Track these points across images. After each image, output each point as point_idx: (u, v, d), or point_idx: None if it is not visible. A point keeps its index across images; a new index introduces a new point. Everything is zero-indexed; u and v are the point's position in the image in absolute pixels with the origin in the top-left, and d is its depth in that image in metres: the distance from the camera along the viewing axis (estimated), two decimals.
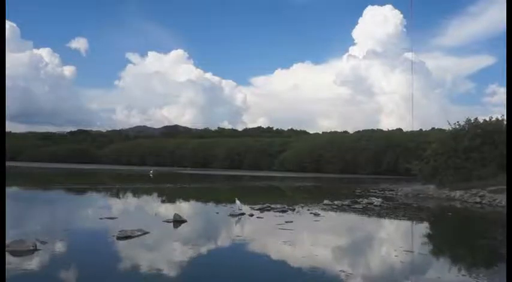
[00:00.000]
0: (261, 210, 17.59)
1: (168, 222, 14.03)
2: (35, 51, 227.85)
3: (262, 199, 21.76)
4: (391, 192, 29.94)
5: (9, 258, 8.78)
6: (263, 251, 10.58)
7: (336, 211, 18.33)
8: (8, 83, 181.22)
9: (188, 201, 23.60)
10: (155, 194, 26.67)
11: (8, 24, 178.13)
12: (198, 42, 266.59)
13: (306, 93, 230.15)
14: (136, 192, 27.43)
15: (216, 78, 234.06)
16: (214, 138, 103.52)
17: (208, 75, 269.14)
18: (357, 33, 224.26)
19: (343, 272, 8.29)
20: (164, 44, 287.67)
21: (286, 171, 72.96)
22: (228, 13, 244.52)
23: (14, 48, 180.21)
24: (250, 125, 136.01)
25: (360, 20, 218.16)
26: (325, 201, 20.70)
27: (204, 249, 10.48)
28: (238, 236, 12.45)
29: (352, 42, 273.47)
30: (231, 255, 10.08)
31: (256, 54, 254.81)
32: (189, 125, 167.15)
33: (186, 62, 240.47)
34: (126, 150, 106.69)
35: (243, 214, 16.17)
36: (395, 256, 9.74)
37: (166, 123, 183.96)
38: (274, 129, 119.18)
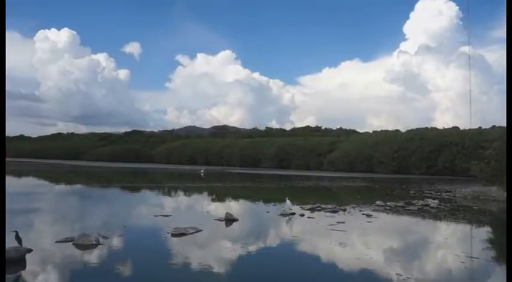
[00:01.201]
0: (312, 210, 17.45)
1: (219, 220, 14.31)
2: (93, 56, 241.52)
3: (312, 199, 21.55)
4: (448, 193, 28.51)
5: (75, 251, 9.40)
6: (314, 251, 10.50)
7: (389, 213, 17.76)
8: (72, 87, 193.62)
9: (238, 200, 23.91)
10: (206, 193, 27.27)
11: (68, 32, 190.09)
12: (245, 43, 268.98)
13: (355, 92, 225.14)
14: (188, 191, 28.21)
15: (264, 78, 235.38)
16: (262, 138, 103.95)
17: (256, 75, 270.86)
18: (408, 28, 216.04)
19: (400, 275, 8.03)
20: (212, 45, 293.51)
21: (335, 171, 71.73)
22: (275, 13, 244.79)
23: (75, 54, 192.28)
24: (298, 125, 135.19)
25: (412, 15, 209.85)
26: (378, 202, 20.13)
27: (255, 249, 10.59)
28: (289, 235, 12.43)
29: (403, 37, 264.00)
30: (282, 255, 10.08)
31: (303, 53, 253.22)
32: (237, 125, 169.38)
33: (234, 62, 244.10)
34: (177, 149, 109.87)
35: (293, 214, 16.13)
36: (461, 262, 9.27)
37: (215, 123, 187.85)
38: (323, 128, 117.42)
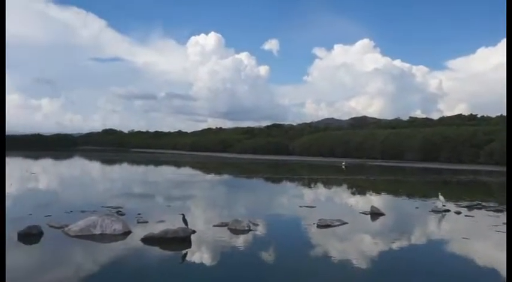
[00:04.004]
0: (469, 208, 15.59)
1: (365, 214, 13.87)
2: (236, 56, 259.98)
3: (468, 196, 19.30)
4: None
5: (229, 234, 10.21)
6: (472, 254, 9.33)
7: None
8: (219, 86, 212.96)
9: (383, 194, 22.83)
10: (349, 186, 26.76)
11: (215, 36, 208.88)
12: (384, 30, 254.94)
13: None
14: (330, 183, 28.12)
15: (406, 65, 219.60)
16: (405, 129, 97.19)
17: (397, 62, 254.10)
18: None
19: None
20: (350, 35, 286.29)
21: (494, 165, 62.83)
22: None
23: (221, 55, 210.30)
24: (448, 113, 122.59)
25: None
26: None
27: (406, 246, 9.92)
28: (443, 234, 11.34)
29: None
30: (436, 255, 9.22)
31: (451, 33, 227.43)
32: (377, 116, 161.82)
33: (373, 51, 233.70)
34: (316, 142, 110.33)
35: (447, 211, 14.67)
36: None
37: (354, 115, 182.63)
38: (479, 116, 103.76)
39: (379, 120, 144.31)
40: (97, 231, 9.50)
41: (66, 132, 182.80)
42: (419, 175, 38.15)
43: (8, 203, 14.63)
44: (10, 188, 18.95)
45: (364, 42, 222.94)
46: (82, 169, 40.66)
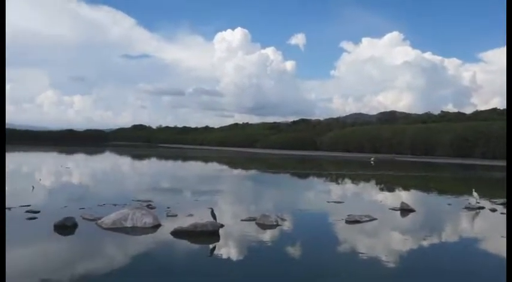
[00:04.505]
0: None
1: (394, 210, 13.61)
2: (262, 51, 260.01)
3: (503, 193, 18.56)
4: None
5: (257, 229, 10.23)
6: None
7: None
8: (245, 81, 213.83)
9: (413, 190, 22.34)
10: (377, 181, 26.32)
11: (241, 31, 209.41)
12: (414, 22, 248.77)
13: None
14: (358, 179, 27.73)
15: (437, 58, 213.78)
16: (436, 123, 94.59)
17: (428, 55, 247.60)
18: None
19: None
20: (378, 28, 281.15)
21: None
22: None
23: (247, 51, 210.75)
24: (482, 107, 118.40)
25: None
26: None
27: (436, 243, 9.65)
28: (479, 232, 10.99)
29: None
30: (468, 254, 8.93)
31: (485, 24, 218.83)
32: (406, 110, 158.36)
33: (402, 43, 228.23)
34: (343, 137, 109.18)
35: (481, 208, 14.19)
36: None
37: (383, 110, 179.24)
38: None
39: (409, 115, 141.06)
40: (128, 224, 9.73)
41: (97, 128, 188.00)
42: (451, 171, 37.08)
43: (45, 195, 15.21)
44: (45, 182, 19.67)
45: (393, 35, 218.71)
46: (113, 164, 41.75)
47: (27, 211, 11.06)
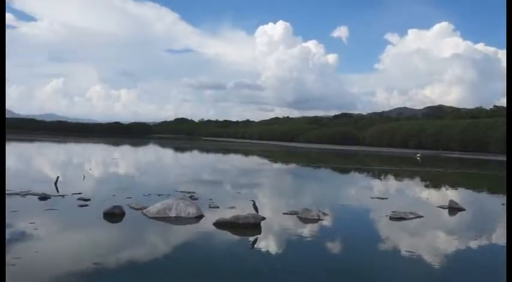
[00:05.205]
0: None
1: (442, 208, 13.07)
2: (304, 44, 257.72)
3: None
4: None
5: (299, 223, 10.17)
6: None
7: None
8: (286, 75, 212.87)
9: (462, 188, 21.37)
10: (424, 178, 25.38)
11: (283, 24, 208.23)
12: (465, 11, 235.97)
13: None
14: (403, 175, 26.88)
15: (490, 49, 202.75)
16: (489, 119, 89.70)
17: (480, 46, 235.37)
18: None
19: None
20: (425, 18, 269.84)
21: None
22: None
23: (289, 44, 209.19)
24: None
25: None
26: None
27: (487, 244, 9.15)
28: None
29: None
30: None
31: None
32: (455, 105, 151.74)
33: (451, 34, 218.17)
34: (387, 132, 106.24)
35: None
36: None
37: (429, 104, 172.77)
38: None
39: (458, 109, 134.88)
40: (172, 214, 9.99)
41: (141, 121, 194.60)
42: (505, 169, 35.03)
43: (94, 184, 15.94)
44: (94, 171, 20.61)
45: (442, 26, 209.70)
46: (157, 155, 43.05)
47: (79, 199, 11.62)
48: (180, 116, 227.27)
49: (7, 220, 8.77)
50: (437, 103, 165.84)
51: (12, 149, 42.21)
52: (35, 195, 11.79)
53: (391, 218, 11.03)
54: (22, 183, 13.92)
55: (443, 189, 20.23)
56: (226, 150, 56.08)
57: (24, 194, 11.86)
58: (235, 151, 55.39)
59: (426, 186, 21.61)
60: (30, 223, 8.57)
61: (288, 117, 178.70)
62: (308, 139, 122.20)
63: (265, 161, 40.10)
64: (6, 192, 11.97)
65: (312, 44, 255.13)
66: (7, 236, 7.69)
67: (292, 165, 34.41)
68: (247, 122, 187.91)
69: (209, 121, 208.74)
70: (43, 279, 5.74)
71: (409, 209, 11.96)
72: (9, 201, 10.77)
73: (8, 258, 6.40)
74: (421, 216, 11.34)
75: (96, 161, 29.71)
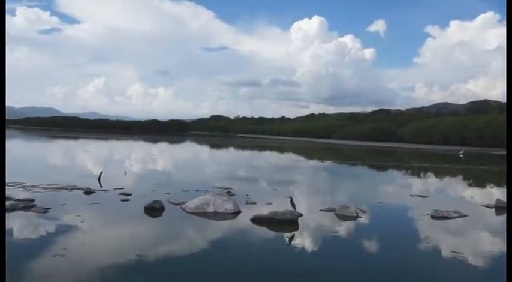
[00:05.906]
0: None
1: (488, 207, 12.52)
2: (339, 39, 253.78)
3: None
4: None
5: (336, 220, 10.05)
6: None
7: None
8: (322, 71, 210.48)
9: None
10: (467, 176, 24.38)
11: (318, 19, 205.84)
12: None
13: None
14: (445, 173, 25.93)
15: None
16: None
17: None
18: None
19: None
20: (468, 9, 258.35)
21: None
22: None
23: (324, 39, 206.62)
24: None
25: None
26: None
27: None
28: None
29: None
30: None
31: None
32: (502, 99, 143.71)
33: (497, 25, 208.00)
34: (427, 128, 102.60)
35: None
36: None
37: (473, 98, 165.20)
38: None
39: (505, 104, 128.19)
40: (210, 209, 10.15)
41: (178, 118, 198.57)
42: None
43: (135, 180, 16.45)
44: (135, 167, 21.26)
45: (487, 17, 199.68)
46: (194, 152, 43.83)
47: (121, 193, 12.04)
48: (215, 113, 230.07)
49: (56, 213, 9.27)
50: (481, 97, 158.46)
51: (59, 146, 44.32)
52: (80, 190, 12.33)
53: (433, 217, 10.68)
54: (68, 178, 14.61)
55: (488, 187, 19.36)
56: (261, 147, 56.23)
57: (70, 189, 12.42)
58: (271, 148, 55.42)
59: (470, 184, 20.75)
60: (77, 216, 8.98)
61: (323, 113, 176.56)
62: (344, 136, 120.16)
63: (301, 158, 39.87)
64: (55, 186, 12.63)
65: (348, 39, 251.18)
66: (56, 228, 8.11)
67: (329, 162, 34.02)
68: (283, 119, 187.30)
69: (244, 118, 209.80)
70: (89, 270, 6.01)
71: (452, 207, 11.52)
72: (57, 195, 11.35)
73: (57, 249, 6.75)
74: (466, 215, 10.91)
75: (136, 157, 30.65)
